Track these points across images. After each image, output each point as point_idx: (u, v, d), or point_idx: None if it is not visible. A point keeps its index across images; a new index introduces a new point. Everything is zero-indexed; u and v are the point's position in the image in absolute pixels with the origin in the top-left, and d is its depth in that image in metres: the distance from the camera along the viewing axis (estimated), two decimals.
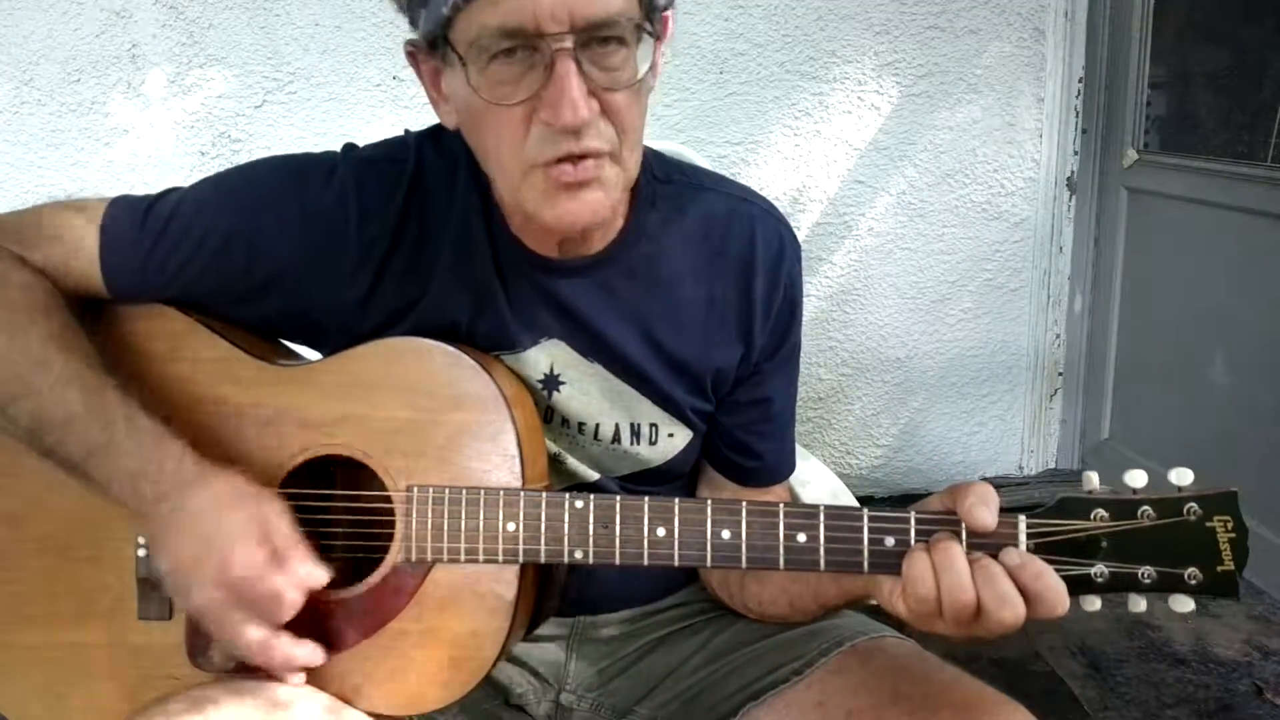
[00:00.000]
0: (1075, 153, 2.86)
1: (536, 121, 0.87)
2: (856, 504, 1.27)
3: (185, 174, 2.49)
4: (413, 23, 0.92)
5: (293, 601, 0.89)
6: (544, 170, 0.89)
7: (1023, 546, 0.85)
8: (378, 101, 2.54)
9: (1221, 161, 2.52)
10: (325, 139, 2.51)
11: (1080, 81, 2.81)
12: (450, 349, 0.98)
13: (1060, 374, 3.02)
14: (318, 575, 0.91)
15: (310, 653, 0.92)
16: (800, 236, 1.16)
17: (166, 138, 2.51)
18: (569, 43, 0.83)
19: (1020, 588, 0.82)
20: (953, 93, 2.73)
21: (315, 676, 0.95)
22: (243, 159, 1.11)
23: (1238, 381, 2.47)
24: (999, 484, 2.96)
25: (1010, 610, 0.82)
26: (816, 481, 1.53)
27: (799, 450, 1.23)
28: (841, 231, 2.78)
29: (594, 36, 0.85)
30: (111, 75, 2.45)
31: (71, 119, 2.46)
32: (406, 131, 1.07)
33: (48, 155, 2.47)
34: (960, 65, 2.72)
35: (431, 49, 0.91)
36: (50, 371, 0.93)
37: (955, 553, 0.83)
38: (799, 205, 2.72)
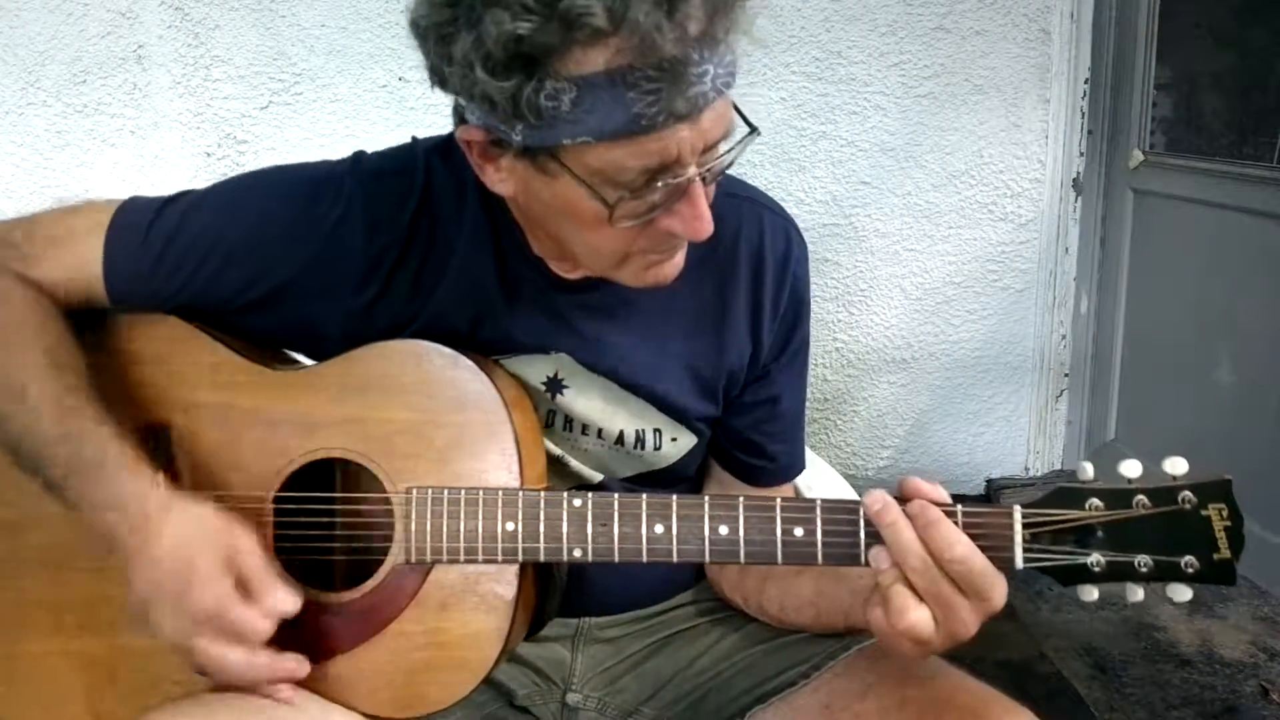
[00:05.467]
0: (1081, 154, 2.85)
1: (654, 228, 0.88)
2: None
3: (190, 175, 2.49)
4: (500, 123, 0.83)
5: (263, 629, 0.89)
6: (643, 255, 0.92)
7: (1018, 537, 0.85)
8: (383, 103, 2.54)
9: (1227, 163, 2.51)
10: (330, 140, 2.52)
11: (1086, 83, 2.80)
12: (448, 351, 0.98)
13: (1066, 375, 3.01)
14: (286, 602, 0.90)
15: (295, 665, 0.92)
16: (806, 238, 1.16)
17: (172, 139, 2.51)
18: (698, 168, 0.85)
19: None
20: (959, 94, 2.73)
21: (316, 680, 0.95)
22: (248, 160, 1.10)
23: (1243, 382, 2.46)
24: (1005, 485, 2.97)
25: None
26: (822, 483, 1.52)
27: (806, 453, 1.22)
28: (847, 233, 2.78)
29: (710, 150, 0.87)
30: (117, 76, 2.45)
31: (77, 120, 2.47)
32: (414, 139, 1.06)
33: (53, 156, 2.47)
34: (966, 67, 2.71)
35: (522, 154, 0.85)
36: (29, 396, 0.93)
37: (928, 505, 0.83)
38: (805, 206, 2.72)
